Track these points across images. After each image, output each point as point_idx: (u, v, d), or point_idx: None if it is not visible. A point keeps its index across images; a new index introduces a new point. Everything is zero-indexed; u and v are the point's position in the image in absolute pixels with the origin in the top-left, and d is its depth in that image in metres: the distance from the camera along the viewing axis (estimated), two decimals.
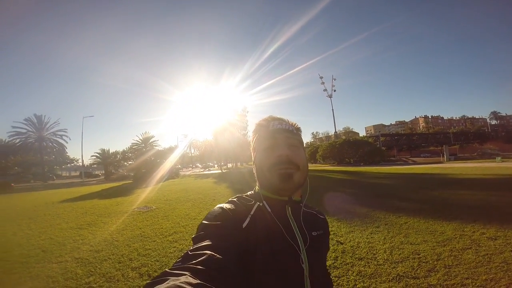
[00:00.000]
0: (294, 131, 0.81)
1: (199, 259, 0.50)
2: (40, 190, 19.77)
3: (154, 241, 4.63)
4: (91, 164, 60.68)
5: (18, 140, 44.22)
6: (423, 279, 2.81)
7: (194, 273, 0.46)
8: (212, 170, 44.80)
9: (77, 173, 61.54)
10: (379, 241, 4.03)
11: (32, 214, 7.77)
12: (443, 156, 39.00)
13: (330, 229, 2.94)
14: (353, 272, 3.06)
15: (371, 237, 4.21)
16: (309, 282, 0.69)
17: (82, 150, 62.90)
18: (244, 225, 0.67)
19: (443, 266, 3.05)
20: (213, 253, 0.53)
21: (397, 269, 3.07)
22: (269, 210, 0.72)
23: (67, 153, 54.82)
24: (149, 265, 3.56)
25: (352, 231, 4.59)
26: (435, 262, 3.16)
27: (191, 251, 0.55)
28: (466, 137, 64.78)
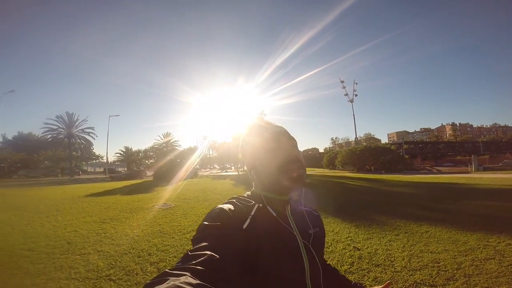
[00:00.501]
0: (289, 132, 0.83)
1: (199, 260, 0.51)
2: (67, 184, 20.80)
3: (173, 237, 4.69)
4: (114, 161, 63.26)
5: (49, 136, 47.06)
6: (441, 287, 2.78)
7: (194, 273, 0.47)
8: (229, 171, 45.13)
9: (101, 169, 64.29)
10: (398, 249, 3.92)
11: (59, 207, 8.15)
12: (470, 166, 36.87)
13: (347, 235, 3.23)
14: (369, 278, 3.04)
15: (390, 245, 4.13)
16: (310, 279, 0.71)
17: (107, 147, 65.86)
18: (245, 226, 0.67)
19: (463, 275, 2.99)
20: (213, 254, 0.53)
21: (415, 276, 3.03)
22: (272, 211, 0.73)
23: (93, 149, 57.39)
24: (167, 260, 3.62)
25: (370, 238, 4.48)
26: (455, 271, 3.10)
27: (191, 251, 0.55)
28: (497, 146, 60.86)
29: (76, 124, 49.29)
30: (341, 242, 4.34)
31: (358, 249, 3.96)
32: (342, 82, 50.03)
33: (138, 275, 3.16)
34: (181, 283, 0.42)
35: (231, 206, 0.72)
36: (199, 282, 0.44)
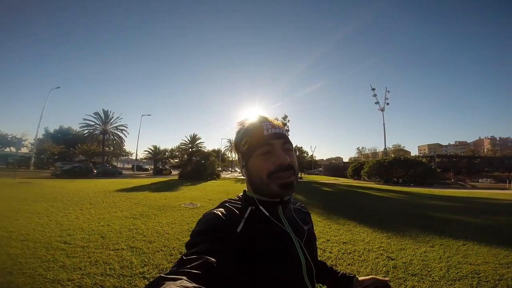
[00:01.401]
0: (287, 135, 0.80)
1: (194, 263, 0.50)
2: (98, 178, 21.81)
3: None
4: (142, 159, 65.76)
5: (86, 131, 49.82)
6: None
7: (190, 277, 0.47)
8: None
9: (129, 166, 67.03)
10: (434, 260, 3.79)
11: (92, 200, 8.43)
12: (509, 183, 34.01)
13: (379, 245, 3.36)
14: (406, 287, 2.97)
15: (425, 255, 3.99)
16: (306, 274, 0.72)
17: (138, 145, 68.67)
18: (239, 229, 0.67)
19: (505, 286, 2.96)
20: (207, 257, 0.53)
21: (455, 286, 2.97)
22: (266, 213, 0.72)
23: (124, 146, 60.07)
24: None
25: (403, 249, 4.31)
26: (497, 282, 3.05)
27: (185, 256, 0.55)
28: None
29: (111, 121, 51.85)
30: (373, 251, 4.18)
31: (392, 259, 3.85)
32: (373, 89, 48.46)
33: None
34: (177, 286, 0.42)
35: (223, 210, 0.72)
36: (195, 285, 0.44)
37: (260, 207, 0.73)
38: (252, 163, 0.76)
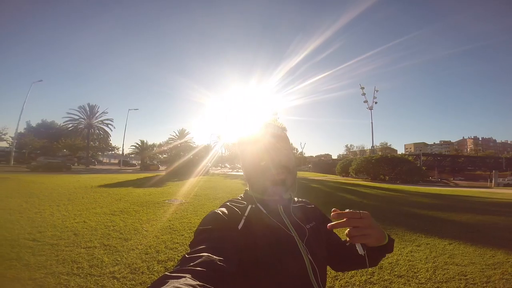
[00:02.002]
0: (280, 133, 0.81)
1: (197, 261, 0.50)
2: (82, 173, 21.18)
3: (182, 235, 4.48)
4: (129, 154, 64.55)
5: (70, 125, 48.41)
6: None
7: (194, 275, 0.46)
8: (240, 171, 45.03)
9: (116, 161, 65.70)
10: (421, 260, 3.74)
11: (71, 196, 8.11)
12: (490, 181, 35.26)
13: None
14: None
15: (411, 255, 3.95)
16: (313, 274, 0.69)
17: (124, 140, 67.28)
18: (240, 226, 0.68)
19: None
20: (210, 255, 0.53)
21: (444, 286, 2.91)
22: (264, 211, 0.74)
23: (110, 141, 58.71)
24: (176, 259, 3.38)
25: None
26: (484, 285, 3.00)
27: (188, 254, 0.54)
28: None
29: (97, 115, 50.53)
30: None
31: None
32: (362, 88, 49.09)
33: (144, 274, 2.92)
34: (182, 284, 0.42)
35: (224, 210, 0.73)
36: (199, 283, 0.44)
37: (258, 205, 0.76)
38: (247, 162, 0.80)
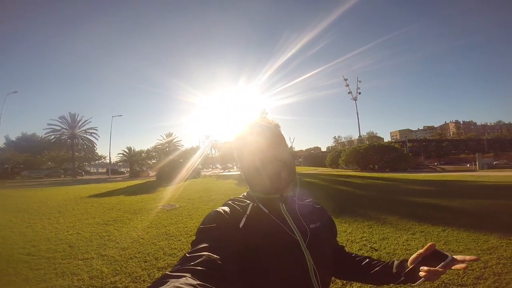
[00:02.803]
0: (274, 130, 0.82)
1: (198, 261, 0.51)
2: (70, 185, 20.63)
3: (180, 240, 4.50)
4: (117, 162, 63.28)
5: (52, 137, 46.85)
6: (472, 286, 2.71)
7: (194, 274, 0.46)
8: (231, 171, 44.96)
9: (104, 170, 64.31)
10: (417, 248, 3.68)
11: (61, 209, 7.96)
12: (475, 164, 36.50)
13: (361, 235, 3.18)
14: None
15: (408, 244, 4.05)
16: (315, 275, 0.70)
17: (110, 148, 65.84)
18: (241, 225, 0.68)
19: (492, 274, 2.92)
20: (211, 254, 0.53)
21: (442, 276, 2.78)
22: (265, 210, 0.74)
23: (96, 150, 57.37)
24: None
25: (386, 238, 4.37)
26: (483, 270, 3.02)
27: (189, 253, 0.55)
28: (501, 144, 60.13)
29: (79, 124, 49.16)
30: (356, 242, 4.21)
31: (376, 250, 3.86)
32: (346, 80, 49.92)
33: (146, 282, 2.95)
34: (182, 284, 0.42)
35: (226, 208, 0.73)
36: (199, 282, 0.44)
37: (259, 204, 0.75)
38: (244, 162, 0.80)
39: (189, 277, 0.45)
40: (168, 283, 0.42)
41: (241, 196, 0.85)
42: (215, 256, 0.53)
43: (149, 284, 2.25)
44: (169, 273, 0.47)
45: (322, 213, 0.89)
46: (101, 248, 4.11)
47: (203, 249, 0.55)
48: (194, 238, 0.63)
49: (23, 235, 4.83)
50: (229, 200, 0.81)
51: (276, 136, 0.81)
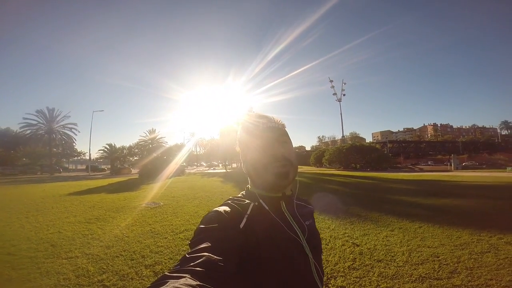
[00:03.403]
0: (282, 128, 0.81)
1: (197, 261, 0.50)
2: (47, 182, 19.82)
3: (166, 238, 4.50)
4: (97, 158, 61.35)
5: (28, 131, 44.67)
6: (446, 280, 2.84)
7: (194, 275, 0.46)
8: (216, 169, 44.77)
9: (83, 167, 62.11)
10: (396, 244, 4.02)
11: (39, 207, 7.69)
12: (450, 165, 38.31)
13: (344, 231, 3.68)
14: (374, 273, 3.06)
15: (387, 240, 4.24)
16: (314, 268, 0.72)
17: (90, 144, 63.45)
18: (242, 225, 0.67)
19: (464, 268, 3.09)
20: (211, 255, 0.52)
21: (419, 270, 3.09)
22: (267, 208, 0.72)
23: (75, 146, 55.29)
24: (163, 262, 3.42)
25: (366, 234, 4.57)
26: (456, 265, 3.20)
27: (188, 254, 0.54)
28: (475, 146, 63.47)
29: (58, 119, 47.15)
30: (339, 238, 4.37)
31: (357, 245, 4.03)
32: (331, 81, 50.84)
33: (134, 279, 2.95)
34: (181, 284, 0.42)
35: (226, 208, 0.71)
36: (199, 283, 0.44)
37: (261, 201, 0.74)
38: (249, 157, 0.78)
39: (189, 278, 0.45)
40: (167, 284, 0.42)
41: (240, 195, 0.82)
42: (216, 257, 0.52)
43: (137, 282, 2.28)
44: (168, 273, 0.47)
45: (312, 212, 0.92)
46: (85, 246, 4.04)
47: (203, 250, 0.54)
48: (193, 238, 0.63)
49: (1, 234, 4.65)
50: (229, 200, 0.78)
51: (285, 134, 0.81)
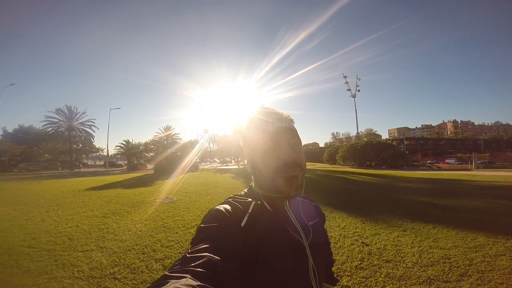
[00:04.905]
0: (294, 129, 0.78)
1: (198, 262, 0.50)
2: (67, 178, 20.68)
3: (177, 232, 4.61)
4: (115, 154, 63.20)
5: (50, 129, 46.61)
6: (455, 283, 2.77)
7: (194, 275, 0.46)
8: (229, 165, 45.09)
9: (102, 162, 64.27)
10: (407, 245, 3.91)
11: (60, 201, 8.04)
12: (471, 164, 36.76)
13: (354, 230, 3.35)
14: (381, 274, 3.01)
15: (398, 240, 4.13)
16: (314, 275, 0.70)
17: (108, 140, 65.58)
18: (243, 224, 0.65)
19: (476, 271, 3.00)
20: (211, 255, 0.52)
21: (428, 272, 3.01)
22: (269, 207, 0.71)
23: (93, 142, 57.18)
24: (173, 257, 3.51)
25: (377, 234, 4.47)
26: (467, 267, 3.10)
27: (189, 253, 0.54)
28: (498, 144, 60.72)
29: (77, 117, 48.94)
30: (349, 237, 4.31)
31: (367, 245, 3.96)
32: (345, 77, 49.82)
33: (144, 273, 3.05)
34: (182, 285, 0.42)
35: (227, 206, 0.69)
36: (199, 283, 0.44)
37: (264, 202, 0.72)
38: (258, 157, 0.74)
39: (189, 278, 0.45)
40: (168, 284, 0.42)
41: (242, 192, 0.80)
42: (216, 257, 0.52)
43: (146, 276, 2.36)
44: (169, 273, 0.47)
45: (318, 211, 0.90)
46: (100, 240, 4.20)
47: (204, 250, 0.54)
48: (194, 235, 0.63)
49: (23, 228, 4.91)
50: (230, 198, 0.76)
51: (295, 135, 0.77)
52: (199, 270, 0.47)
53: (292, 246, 0.68)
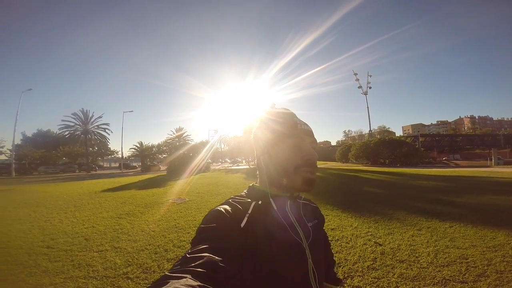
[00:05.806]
0: (312, 130, 0.80)
1: (198, 262, 0.50)
2: (84, 180, 21.34)
3: (188, 233, 4.66)
4: (129, 156, 64.60)
5: (67, 133, 48.10)
6: (472, 283, 2.68)
7: (194, 275, 0.46)
8: (240, 165, 45.21)
9: (117, 164, 65.80)
10: (422, 244, 3.79)
11: (77, 203, 8.30)
12: (490, 160, 35.34)
13: (367, 230, 3.30)
14: (394, 274, 2.94)
15: (413, 240, 4.03)
16: (313, 272, 0.70)
17: (122, 143, 67.06)
18: (242, 224, 0.65)
19: (494, 272, 2.90)
20: (211, 255, 0.52)
21: (443, 272, 2.93)
22: (275, 207, 0.71)
23: (108, 145, 58.64)
24: None
25: (391, 233, 4.36)
26: (486, 267, 3.00)
27: (189, 254, 0.54)
28: None
29: (92, 120, 50.33)
30: (361, 237, 4.23)
31: (380, 245, 3.87)
32: (356, 74, 49.04)
33: (156, 272, 3.11)
34: (182, 285, 0.42)
35: (227, 207, 0.69)
36: (199, 284, 0.44)
37: (270, 199, 0.72)
38: (279, 152, 0.74)
39: (190, 278, 0.45)
40: (168, 284, 0.43)
41: (242, 193, 0.80)
42: (216, 257, 0.52)
43: (158, 275, 2.41)
44: (169, 274, 0.47)
45: (318, 212, 0.90)
46: (115, 240, 4.31)
47: (204, 250, 0.54)
48: (195, 237, 0.63)
49: (42, 229, 5.11)
50: (230, 199, 0.76)
51: (315, 140, 0.79)
52: (199, 270, 0.48)
53: (292, 247, 0.68)
